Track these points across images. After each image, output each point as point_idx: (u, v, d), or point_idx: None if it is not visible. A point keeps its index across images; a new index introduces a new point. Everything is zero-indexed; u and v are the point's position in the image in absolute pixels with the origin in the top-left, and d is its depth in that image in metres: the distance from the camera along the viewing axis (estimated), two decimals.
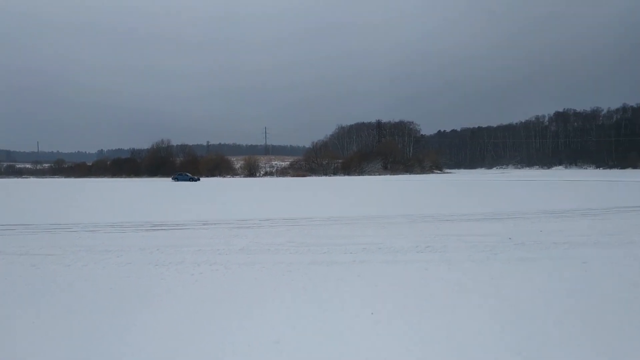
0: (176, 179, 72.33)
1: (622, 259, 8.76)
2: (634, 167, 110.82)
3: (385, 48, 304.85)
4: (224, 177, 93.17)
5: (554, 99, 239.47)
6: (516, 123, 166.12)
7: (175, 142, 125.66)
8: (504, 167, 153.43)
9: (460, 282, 7.16)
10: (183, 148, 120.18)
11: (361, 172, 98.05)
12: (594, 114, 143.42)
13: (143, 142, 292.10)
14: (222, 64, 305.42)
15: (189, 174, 76.00)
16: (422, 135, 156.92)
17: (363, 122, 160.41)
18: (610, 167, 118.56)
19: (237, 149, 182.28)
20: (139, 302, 6.37)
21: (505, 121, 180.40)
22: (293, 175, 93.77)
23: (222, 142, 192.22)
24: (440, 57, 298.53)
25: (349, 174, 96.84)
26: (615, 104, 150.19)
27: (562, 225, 13.60)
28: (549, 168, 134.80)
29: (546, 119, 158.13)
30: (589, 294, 6.43)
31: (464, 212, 17.71)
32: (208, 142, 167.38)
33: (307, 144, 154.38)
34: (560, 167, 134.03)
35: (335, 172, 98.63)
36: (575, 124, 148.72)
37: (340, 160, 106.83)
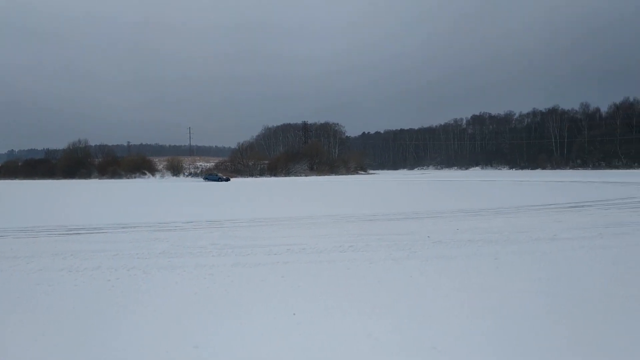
0: (206, 179, 72.76)
1: (530, 254, 9.32)
2: (543, 168, 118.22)
3: (315, 52, 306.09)
4: (146, 178, 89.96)
5: (471, 103, 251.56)
6: (436, 126, 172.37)
7: (93, 142, 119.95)
8: (424, 168, 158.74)
9: (381, 280, 7.34)
10: (102, 148, 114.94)
11: (288, 173, 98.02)
12: (507, 117, 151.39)
13: (58, 142, 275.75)
14: (143, 53, 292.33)
15: (219, 175, 75.39)
16: (347, 136, 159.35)
17: (289, 124, 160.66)
18: (522, 167, 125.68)
19: (160, 150, 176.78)
20: (50, 310, 6.03)
21: (426, 124, 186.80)
22: None
23: (144, 143, 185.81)
24: (366, 63, 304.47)
25: (275, 175, 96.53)
26: (526, 109, 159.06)
27: (477, 224, 14.27)
28: (466, 169, 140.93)
29: (464, 122, 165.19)
30: (500, 289, 6.79)
31: (385, 212, 18.18)
32: (129, 142, 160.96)
33: (233, 145, 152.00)
34: (477, 167, 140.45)
35: (261, 173, 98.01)
36: (491, 127, 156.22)
37: (266, 161, 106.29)
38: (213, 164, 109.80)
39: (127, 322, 5.58)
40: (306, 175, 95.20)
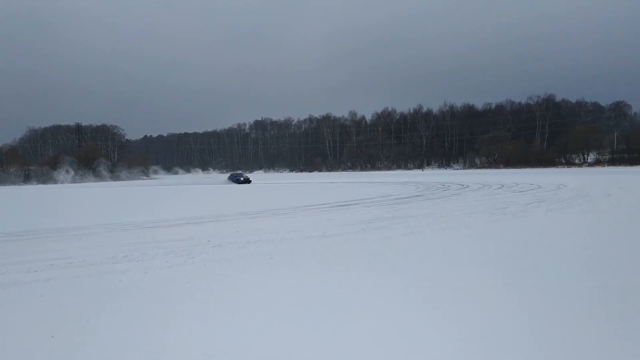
0: (230, 179, 62.14)
1: (301, 252, 9.95)
2: (319, 170, 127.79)
3: (90, 44, 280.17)
4: None
5: (254, 108, 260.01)
6: (220, 130, 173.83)
7: None
8: (209, 171, 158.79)
9: (153, 290, 7.08)
10: None
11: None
12: (287, 123, 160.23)
13: None
14: None
15: (237, 174, 62.01)
16: (127, 140, 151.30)
17: (60, 125, 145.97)
18: (301, 170, 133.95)
19: None
20: None
21: (210, 128, 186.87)
22: None
23: None
24: (147, 61, 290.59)
25: (44, 182, 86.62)
26: (303, 115, 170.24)
27: (257, 225, 14.75)
28: (250, 172, 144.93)
29: (247, 126, 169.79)
30: (272, 287, 7.10)
31: (166, 218, 17.65)
32: None
33: None
34: (260, 171, 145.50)
35: (27, 181, 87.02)
36: (272, 132, 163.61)
37: (32, 167, 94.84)
38: None
39: None
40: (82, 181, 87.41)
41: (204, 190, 44.48)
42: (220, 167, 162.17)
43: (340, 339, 4.94)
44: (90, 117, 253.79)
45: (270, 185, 50.95)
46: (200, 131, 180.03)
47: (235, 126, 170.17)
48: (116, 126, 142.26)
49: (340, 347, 4.73)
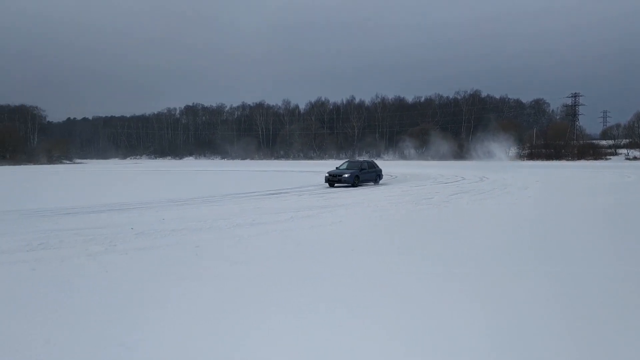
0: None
1: (229, 239, 9.82)
2: (252, 158, 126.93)
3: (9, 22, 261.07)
4: None
5: (185, 94, 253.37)
6: (149, 114, 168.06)
7: None
8: (137, 157, 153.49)
9: (70, 280, 6.74)
10: None
11: None
12: (219, 109, 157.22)
13: None
14: None
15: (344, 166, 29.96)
16: (49, 122, 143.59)
17: None
18: (233, 158, 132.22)
19: None
20: None
21: (138, 112, 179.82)
22: None
23: None
24: (68, 41, 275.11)
25: None
26: (236, 102, 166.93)
27: (184, 213, 14.42)
28: (180, 159, 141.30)
29: (177, 112, 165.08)
30: (195, 275, 6.97)
31: (88, 204, 16.91)
32: None
33: None
34: (191, 157, 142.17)
35: None
36: (204, 117, 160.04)
37: None
38: None
39: None
40: None
41: (133, 174, 43.00)
42: (148, 152, 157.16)
43: (254, 337, 4.93)
44: (6, 97, 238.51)
45: (202, 173, 49.95)
46: (128, 115, 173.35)
47: (165, 111, 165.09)
48: (36, 107, 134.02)
49: (247, 342, 4.71)
